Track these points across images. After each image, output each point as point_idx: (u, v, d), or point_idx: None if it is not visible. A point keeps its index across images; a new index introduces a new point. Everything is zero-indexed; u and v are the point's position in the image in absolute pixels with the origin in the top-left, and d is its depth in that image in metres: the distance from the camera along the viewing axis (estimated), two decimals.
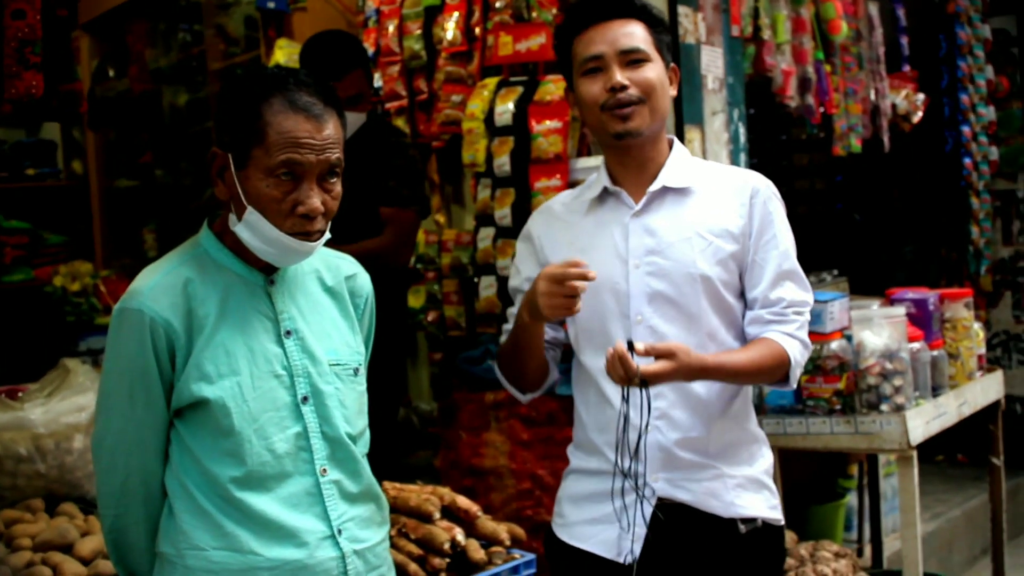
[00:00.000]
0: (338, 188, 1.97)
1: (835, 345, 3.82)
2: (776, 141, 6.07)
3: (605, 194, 2.39)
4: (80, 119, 6.24)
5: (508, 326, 2.49)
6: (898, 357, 3.77)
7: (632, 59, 2.29)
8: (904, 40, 5.95)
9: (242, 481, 1.94)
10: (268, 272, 2.03)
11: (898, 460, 3.77)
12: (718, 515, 2.30)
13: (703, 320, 2.30)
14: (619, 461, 2.24)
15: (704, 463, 2.31)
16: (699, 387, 2.30)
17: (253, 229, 1.93)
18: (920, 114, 5.82)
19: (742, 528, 2.32)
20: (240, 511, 1.94)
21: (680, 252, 2.30)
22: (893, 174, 6.60)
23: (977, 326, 4.39)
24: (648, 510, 2.27)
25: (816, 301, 3.89)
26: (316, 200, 1.92)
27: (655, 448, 2.27)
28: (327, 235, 1.99)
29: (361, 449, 2.08)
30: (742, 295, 2.37)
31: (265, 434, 1.95)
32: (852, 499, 4.93)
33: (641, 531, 2.26)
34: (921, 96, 5.84)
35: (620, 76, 2.27)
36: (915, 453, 3.68)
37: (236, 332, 1.97)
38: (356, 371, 2.09)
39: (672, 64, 2.38)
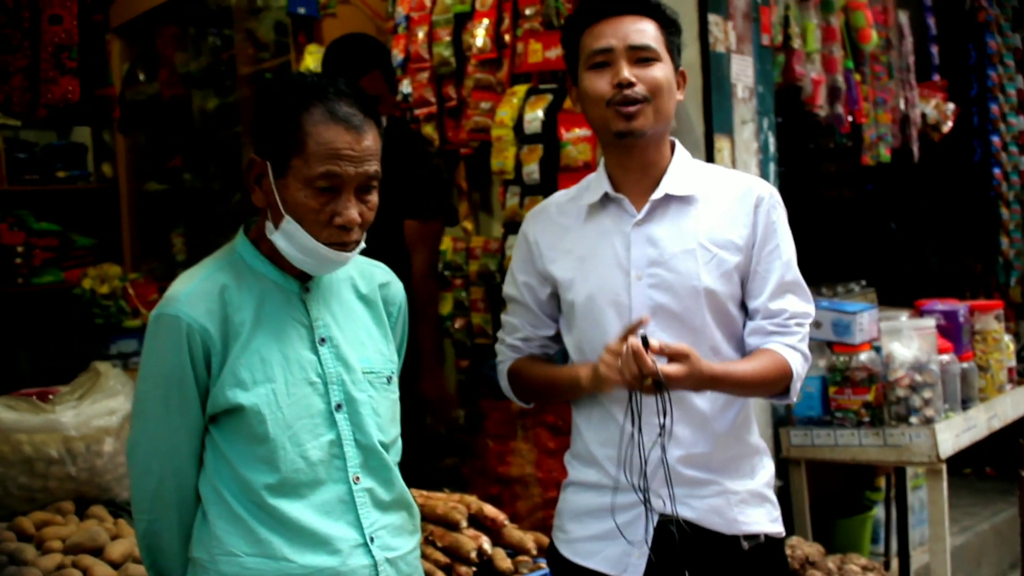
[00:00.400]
0: (374, 199, 1.98)
1: (864, 357, 3.81)
2: (804, 150, 6.04)
3: (606, 200, 2.33)
4: (113, 123, 6.27)
5: (509, 339, 2.45)
6: (928, 369, 3.76)
7: (642, 56, 2.23)
8: (934, 49, 5.92)
9: (276, 488, 1.94)
10: (303, 279, 2.03)
11: (927, 473, 3.76)
12: (721, 532, 2.27)
13: (706, 334, 2.26)
14: (626, 473, 2.20)
15: (707, 479, 2.27)
16: (701, 402, 2.26)
17: (290, 238, 1.94)
18: (950, 124, 5.80)
19: (745, 545, 2.28)
20: (273, 518, 1.94)
21: (684, 264, 2.25)
22: (922, 184, 6.56)
23: (1007, 338, 4.38)
24: (652, 526, 2.23)
25: (845, 312, 3.90)
26: (354, 211, 1.93)
27: (658, 465, 2.22)
28: (362, 245, 2.00)
29: (393, 457, 2.09)
30: (743, 305, 2.33)
31: (299, 441, 1.96)
32: (879, 512, 4.89)
33: (646, 547, 2.24)
34: (951, 105, 5.81)
35: (628, 72, 2.21)
36: (944, 466, 3.66)
37: (271, 339, 1.97)
38: (389, 379, 2.09)
39: (681, 68, 2.33)
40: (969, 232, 6.50)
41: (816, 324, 3.94)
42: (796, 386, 2.30)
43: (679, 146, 2.38)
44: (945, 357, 3.90)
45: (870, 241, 6.49)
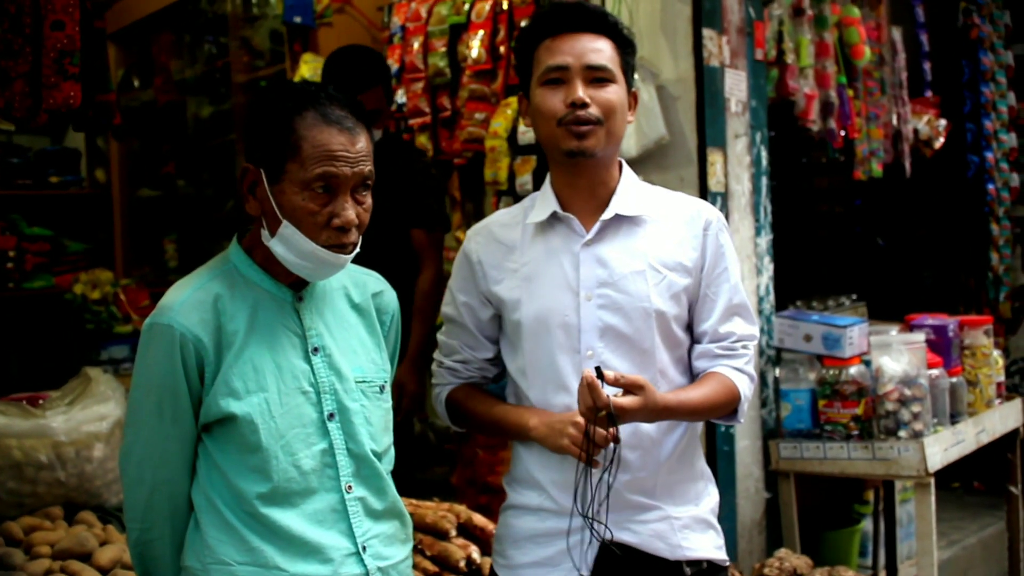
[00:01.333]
0: (369, 201, 1.99)
1: (854, 370, 3.82)
2: (796, 164, 6.07)
3: (553, 219, 2.29)
4: (113, 129, 6.31)
5: (447, 361, 2.40)
6: (917, 383, 3.78)
7: (597, 76, 2.21)
8: (927, 65, 5.96)
9: (268, 497, 1.95)
10: (297, 288, 2.04)
11: (916, 487, 3.78)
12: (664, 557, 2.24)
13: (655, 356, 2.24)
14: (578, 504, 2.17)
15: (650, 504, 2.25)
16: (650, 427, 2.23)
17: (288, 243, 1.94)
18: (942, 139, 5.83)
19: (688, 571, 2.26)
20: (265, 527, 1.94)
21: (634, 285, 2.23)
22: (913, 199, 6.60)
23: (996, 353, 4.40)
24: (593, 553, 2.21)
25: (835, 326, 3.92)
26: (351, 212, 1.94)
27: (602, 489, 2.18)
28: (358, 248, 2.00)
29: (386, 466, 2.09)
30: (688, 327, 2.32)
31: (291, 450, 1.96)
32: (868, 525, 4.91)
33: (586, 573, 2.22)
34: (943, 122, 5.84)
35: (582, 92, 2.19)
36: (933, 480, 3.68)
37: (264, 348, 1.98)
38: (382, 388, 2.09)
39: (633, 89, 2.31)
40: (960, 247, 6.53)
41: (806, 337, 3.96)
42: (743, 408, 2.30)
43: (626, 167, 2.35)
44: (934, 371, 3.92)
45: (861, 255, 6.52)
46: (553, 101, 2.21)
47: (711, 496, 2.36)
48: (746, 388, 2.29)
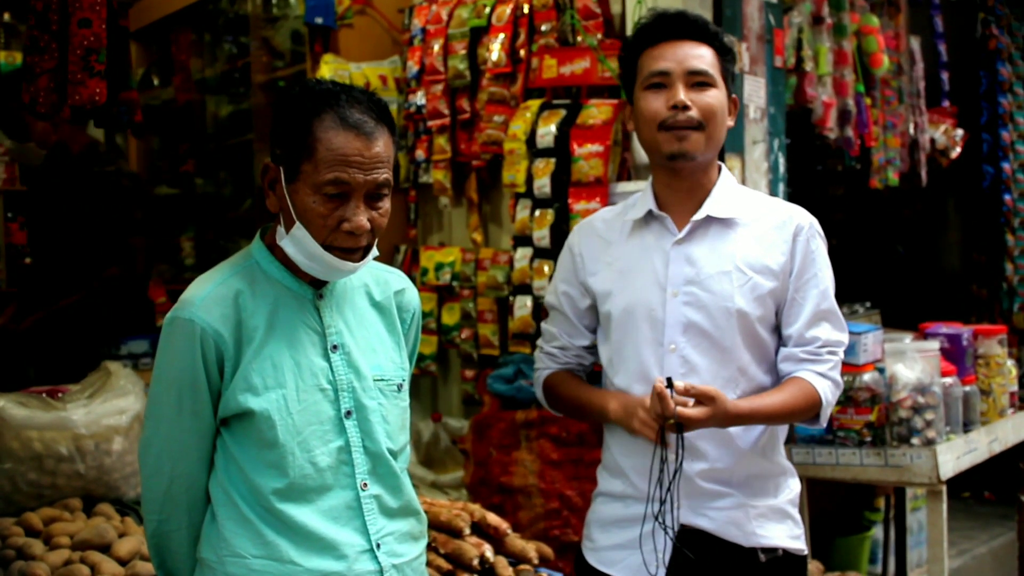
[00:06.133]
0: (386, 206, 1.99)
1: (867, 377, 3.83)
2: (813, 172, 6.08)
3: (649, 217, 2.39)
4: (133, 127, 6.33)
5: (547, 347, 2.53)
6: (930, 391, 3.78)
7: (698, 81, 2.29)
8: (945, 75, 5.96)
9: (284, 492, 1.97)
10: (317, 286, 2.06)
11: (927, 494, 3.78)
12: (739, 544, 2.31)
13: (735, 354, 2.31)
14: (651, 500, 2.27)
15: (726, 492, 2.32)
16: None
17: (298, 244, 1.96)
18: (958, 149, 5.83)
19: (762, 557, 2.32)
20: (281, 521, 1.97)
21: (719, 285, 2.30)
22: (929, 208, 6.60)
23: (1010, 363, 4.39)
24: (671, 544, 2.28)
25: (850, 333, 3.92)
26: (362, 218, 1.94)
27: (678, 484, 2.28)
28: (374, 252, 2.02)
29: (402, 464, 2.11)
30: (776, 329, 2.37)
31: (308, 447, 1.98)
32: (878, 532, 4.92)
33: (665, 557, 2.29)
34: (960, 132, 5.84)
35: (684, 95, 2.27)
36: (944, 488, 3.68)
37: (284, 345, 2.00)
38: (400, 387, 2.11)
39: (733, 95, 2.38)
40: (974, 257, 6.53)
41: None
42: (826, 413, 2.34)
43: (725, 170, 2.42)
44: (948, 380, 3.92)
45: (878, 263, 6.52)
46: (655, 104, 2.30)
47: (791, 488, 2.42)
48: (828, 393, 2.33)
